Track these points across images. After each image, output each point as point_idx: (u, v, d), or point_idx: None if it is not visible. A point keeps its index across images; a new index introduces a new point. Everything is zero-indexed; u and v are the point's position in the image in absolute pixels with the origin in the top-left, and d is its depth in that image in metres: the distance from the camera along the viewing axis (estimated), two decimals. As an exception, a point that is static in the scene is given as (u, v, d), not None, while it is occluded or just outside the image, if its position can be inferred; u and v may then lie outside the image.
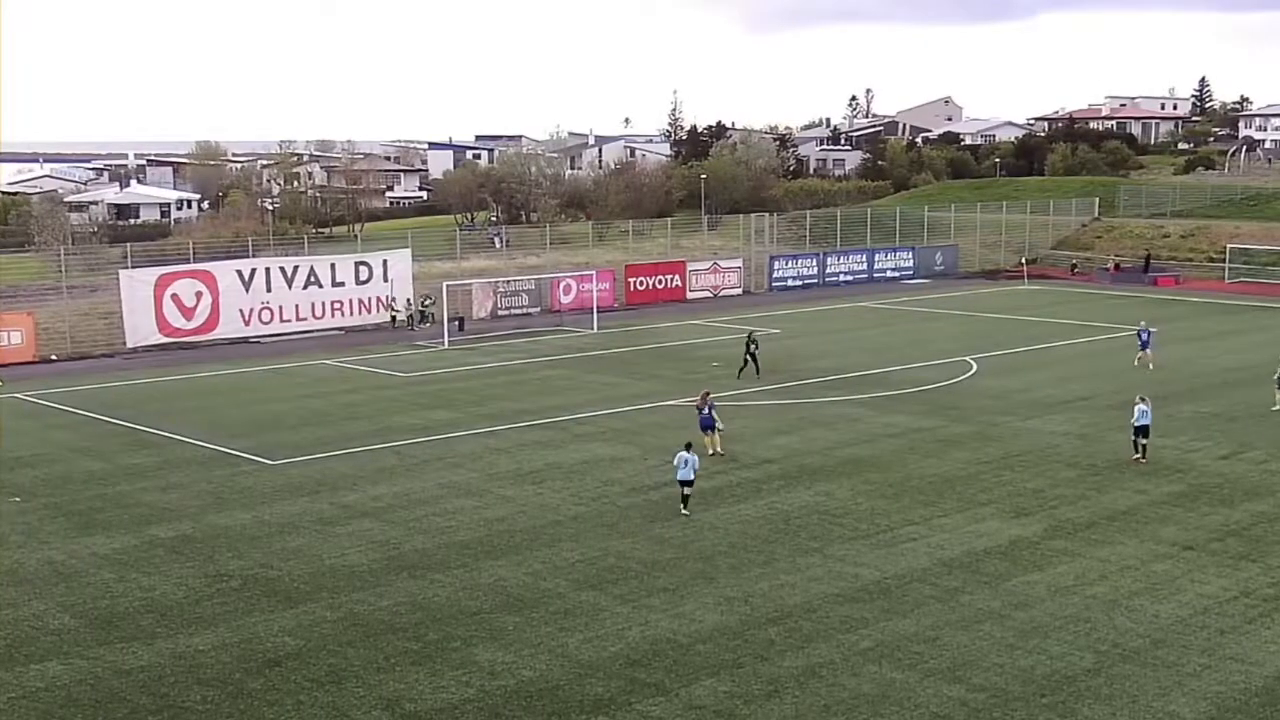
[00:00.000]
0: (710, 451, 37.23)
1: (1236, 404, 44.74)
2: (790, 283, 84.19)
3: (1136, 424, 36.85)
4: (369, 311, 67.41)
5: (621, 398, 47.13)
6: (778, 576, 27.52)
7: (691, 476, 31.93)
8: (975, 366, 53.18)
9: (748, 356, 50.53)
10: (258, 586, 27.25)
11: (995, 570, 27.87)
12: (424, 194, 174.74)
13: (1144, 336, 53.42)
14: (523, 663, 23.09)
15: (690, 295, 78.78)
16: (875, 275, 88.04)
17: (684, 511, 31.97)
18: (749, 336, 51.81)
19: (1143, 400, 37.38)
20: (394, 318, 66.82)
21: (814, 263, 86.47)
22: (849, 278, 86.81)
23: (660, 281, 78.37)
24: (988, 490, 34.23)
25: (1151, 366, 51.91)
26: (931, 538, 30.14)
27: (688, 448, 32.31)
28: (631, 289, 76.65)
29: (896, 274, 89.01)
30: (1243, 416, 42.63)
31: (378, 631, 24.62)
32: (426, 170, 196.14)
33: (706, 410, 38.00)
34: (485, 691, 21.94)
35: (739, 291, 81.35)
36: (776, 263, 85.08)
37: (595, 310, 67.50)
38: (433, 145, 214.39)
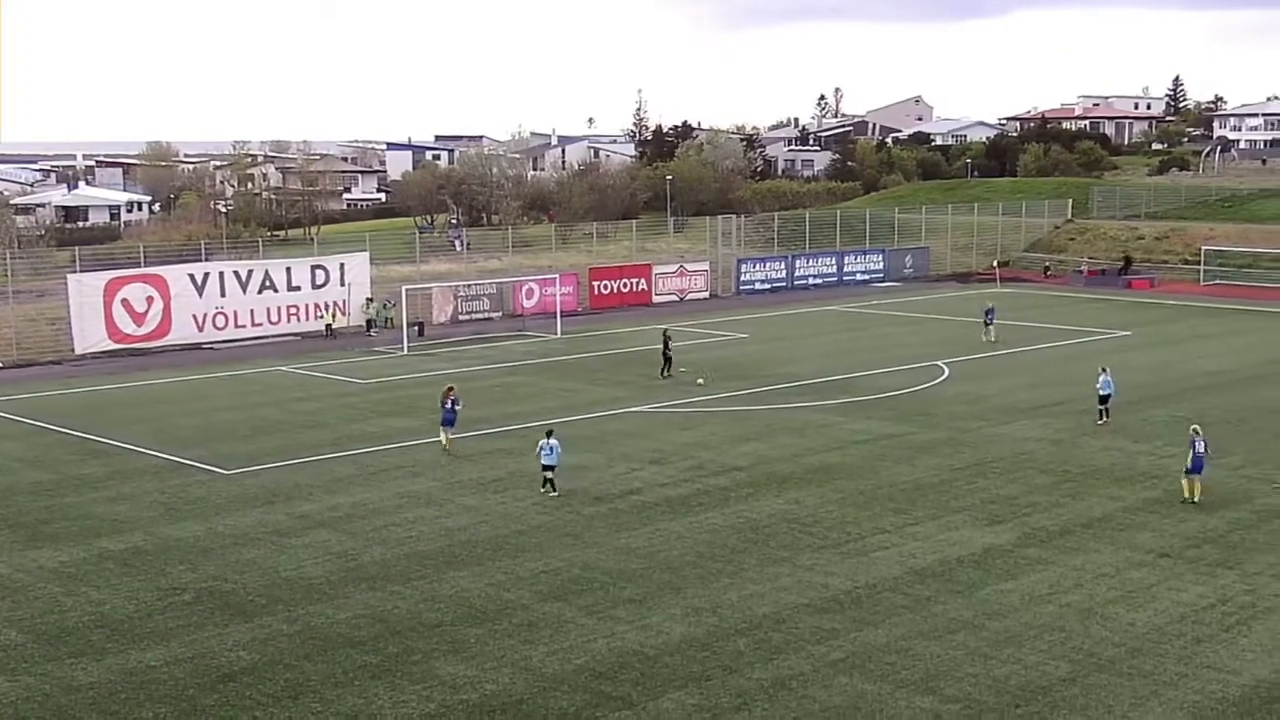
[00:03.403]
0: (445, 447, 39.45)
1: (1212, 409, 45.09)
2: (758, 286, 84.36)
3: (1101, 393, 42.09)
4: (326, 317, 67.10)
5: (585, 404, 47.13)
6: (746, 586, 27.57)
7: (555, 461, 34.42)
8: (947, 371, 53.42)
9: (666, 354, 51.66)
10: (211, 600, 27.11)
11: (968, 579, 28.00)
12: (382, 196, 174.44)
13: (989, 317, 61.38)
14: (485, 676, 23.05)
15: (656, 299, 78.81)
16: (845, 278, 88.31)
17: (544, 491, 34.50)
18: (664, 334, 53.30)
19: (1104, 371, 42.75)
20: (329, 327, 66.32)
21: (782, 266, 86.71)
22: (818, 281, 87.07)
23: (625, 285, 78.39)
24: (960, 497, 34.39)
25: (995, 339, 60.28)
26: (903, 546, 30.25)
27: (549, 435, 34.92)
28: (596, 293, 76.64)
29: (866, 277, 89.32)
30: (1219, 422, 42.94)
31: (336, 645, 24.53)
32: (385, 171, 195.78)
33: (449, 405, 39.72)
34: (447, 706, 21.89)
35: (706, 295, 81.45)
36: (744, 266, 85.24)
37: (558, 315, 67.46)
38: (391, 146, 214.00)
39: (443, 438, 40.17)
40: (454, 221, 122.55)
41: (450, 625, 25.54)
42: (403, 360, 58.39)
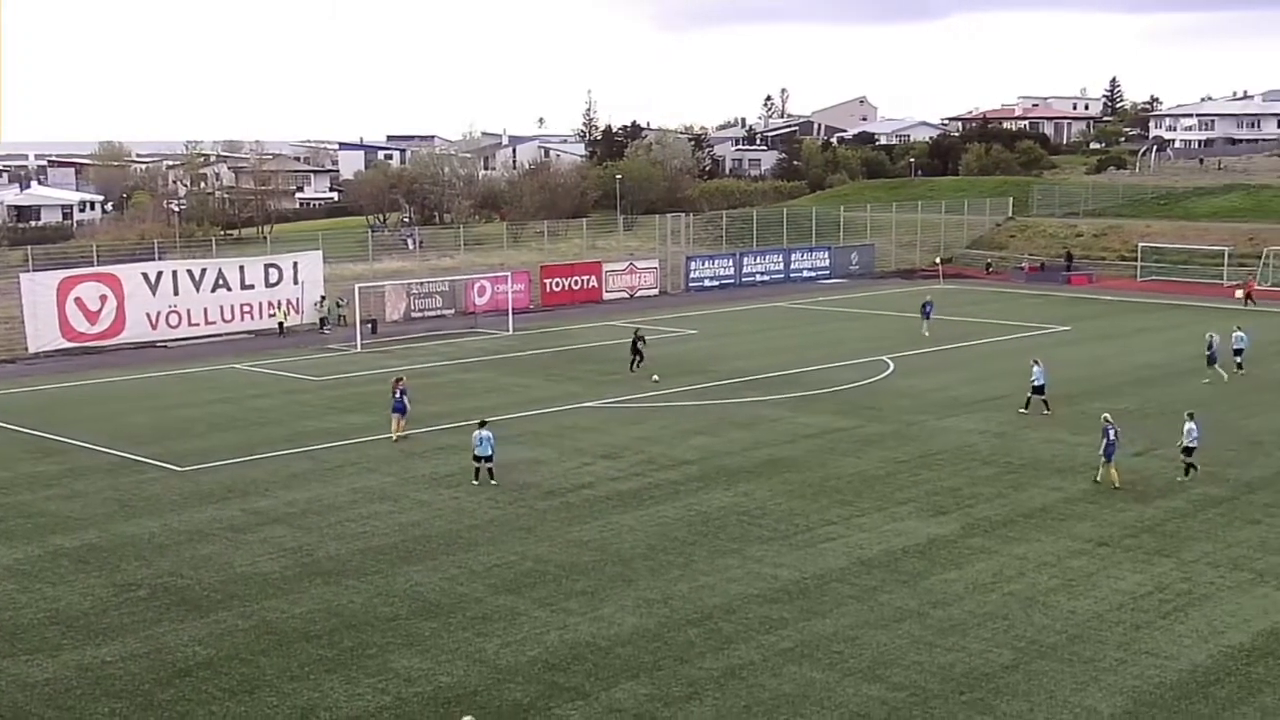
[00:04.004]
0: (395, 437, 39.91)
1: (1150, 401, 45.56)
2: (707, 283, 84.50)
3: (1035, 383, 43.10)
4: (279, 315, 66.67)
5: (538, 400, 47.05)
6: (697, 578, 27.62)
7: (489, 451, 34.84)
8: (892, 366, 53.69)
9: (635, 352, 51.40)
10: (167, 595, 26.88)
11: (913, 569, 28.16)
12: (335, 195, 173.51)
13: (927, 310, 62.48)
14: (440, 669, 22.98)
15: (607, 296, 78.82)
16: (791, 275, 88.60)
17: (476, 482, 34.82)
18: (636, 333, 52.84)
19: (1037, 363, 43.55)
20: (281, 325, 65.90)
21: (730, 263, 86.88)
22: (765, 278, 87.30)
23: (576, 282, 78.32)
24: (905, 489, 34.58)
25: (928, 334, 60.81)
26: (850, 537, 30.39)
27: (482, 425, 35.36)
28: (547, 290, 76.52)
29: (813, 274, 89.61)
30: (1156, 414, 43.41)
31: (291, 639, 24.39)
32: (337, 171, 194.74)
33: (399, 394, 40.30)
34: (401, 699, 21.80)
35: (656, 292, 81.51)
36: (693, 263, 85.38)
37: (510, 312, 67.33)
38: (343, 146, 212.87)
39: (393, 426, 40.58)
40: (406, 220, 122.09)
41: (405, 619, 25.45)
42: (356, 357, 58.09)
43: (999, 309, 72.38)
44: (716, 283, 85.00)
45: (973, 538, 30.30)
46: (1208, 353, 49.77)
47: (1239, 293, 74.13)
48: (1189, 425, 34.97)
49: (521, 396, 47.80)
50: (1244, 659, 23.18)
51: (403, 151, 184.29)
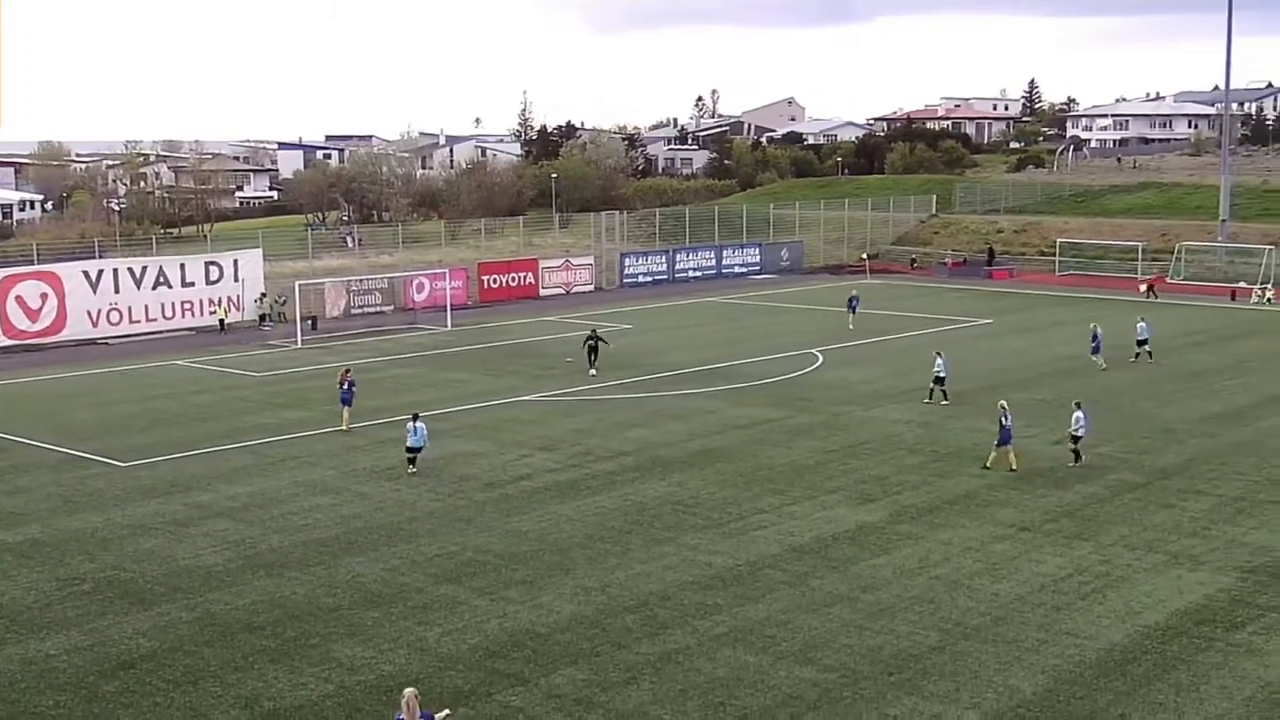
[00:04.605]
0: (346, 428, 40.31)
1: (1068, 391, 46.02)
2: (641, 279, 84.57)
3: (937, 374, 43.85)
4: (220, 312, 66.01)
5: (476, 394, 46.90)
6: (633, 566, 27.66)
7: (420, 443, 35.11)
8: (821, 359, 54.00)
9: (591, 351, 50.95)
10: (110, 589, 26.56)
11: (843, 555, 28.35)
12: (274, 194, 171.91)
13: (853, 305, 63.03)
14: (382, 657, 22.88)
15: (543, 292, 78.72)
16: (723, 271, 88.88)
17: (411, 470, 35.08)
18: (592, 332, 52.38)
19: (939, 355, 44.41)
20: (222, 322, 65.29)
21: (664, 259, 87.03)
22: (698, 274, 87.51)
23: (513, 279, 78.16)
24: (835, 478, 34.80)
25: (853, 327, 61.28)
26: (782, 525, 30.55)
27: (415, 418, 35.61)
28: (485, 287, 76.30)
29: (744, 270, 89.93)
30: (1071, 403, 43.84)
31: (235, 631, 24.18)
32: (276, 170, 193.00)
33: (346, 386, 40.41)
34: (344, 687, 21.69)
35: (591, 288, 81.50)
36: (627, 260, 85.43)
37: (449, 308, 67.06)
38: (282, 145, 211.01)
39: (343, 417, 40.62)
40: (346, 219, 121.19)
41: (347, 609, 25.30)
42: (296, 353, 57.64)
43: (923, 303, 72.98)
44: (650, 279, 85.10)
45: (900, 524, 30.56)
46: (1092, 343, 50.72)
47: (1142, 286, 75.55)
48: (1076, 414, 35.57)
49: (460, 391, 47.63)
50: (1159, 638, 23.54)
51: (341, 151, 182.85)
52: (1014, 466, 34.79)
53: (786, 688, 21.48)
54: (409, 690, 17.67)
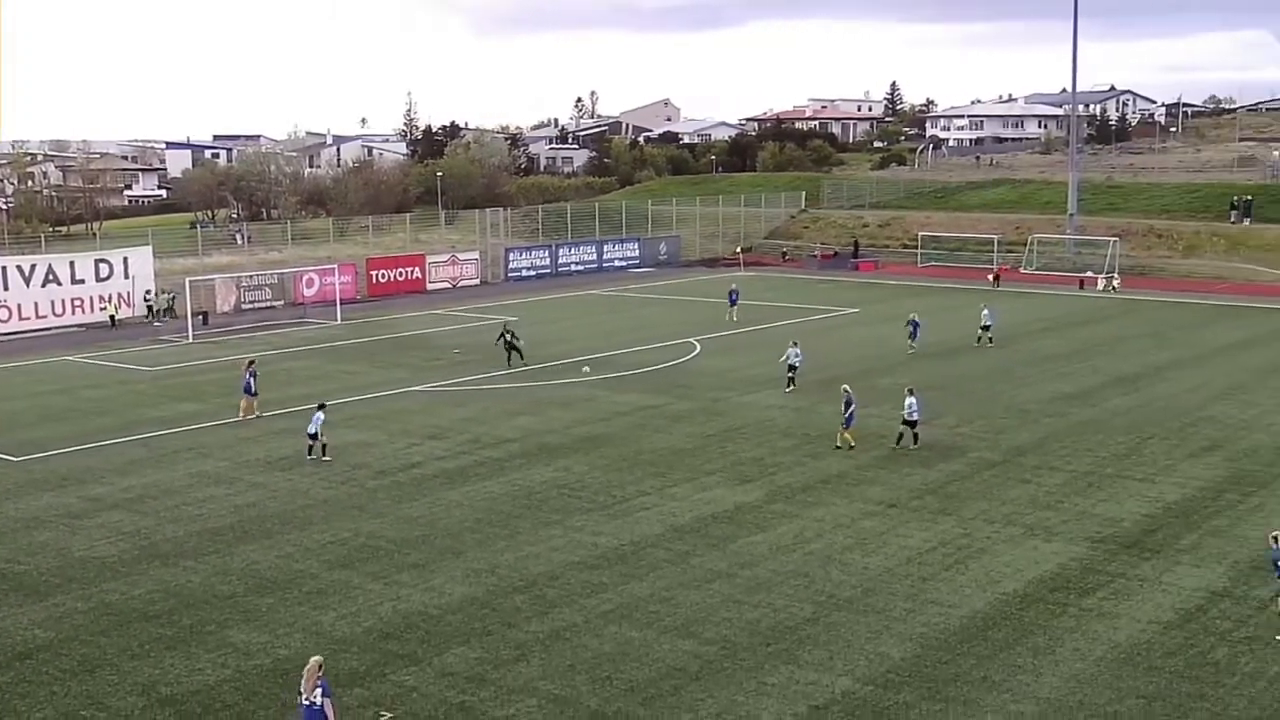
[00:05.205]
0: (253, 415, 40.32)
1: (930, 376, 46.92)
2: (525, 273, 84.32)
3: (790, 364, 44.10)
4: (110, 308, 64.46)
5: (365, 385, 46.41)
6: (522, 548, 27.61)
7: (312, 430, 34.87)
8: (698, 348, 54.32)
9: (509, 349, 50.19)
10: (4, 581, 25.82)
11: (722, 533, 28.58)
12: (163, 193, 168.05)
13: (733, 297, 62.64)
14: (278, 641, 22.58)
15: (430, 286, 78.11)
16: (604, 265, 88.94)
17: (311, 458, 34.87)
18: (504, 327, 51.74)
19: (794, 344, 44.91)
20: (112, 318, 63.83)
21: (546, 254, 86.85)
22: (580, 268, 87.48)
23: (401, 274, 77.46)
24: (713, 460, 35.05)
25: (736, 319, 60.85)
26: (663, 506, 30.70)
27: (320, 408, 35.54)
28: (373, 281, 75.52)
29: (624, 263, 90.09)
30: (935, 387, 44.71)
31: (131, 620, 23.68)
32: (165, 169, 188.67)
33: (247, 378, 40.36)
34: (241, 671, 21.37)
35: (477, 282, 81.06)
36: (511, 255, 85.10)
37: (338, 302, 66.24)
38: (170, 145, 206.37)
39: (243, 405, 40.52)
40: (235, 216, 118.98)
41: (243, 596, 24.92)
42: (188, 348, 56.51)
43: (795, 294, 73.72)
44: (534, 273, 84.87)
45: (775, 503, 30.88)
46: (909, 329, 52.32)
47: (990, 276, 77.43)
48: (909, 400, 35.94)
49: (349, 382, 47.09)
50: (1017, 605, 24.11)
51: (229, 150, 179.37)
52: (852, 445, 35.44)
53: (670, 660, 21.62)
54: (315, 659, 17.77)
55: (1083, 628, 22.96)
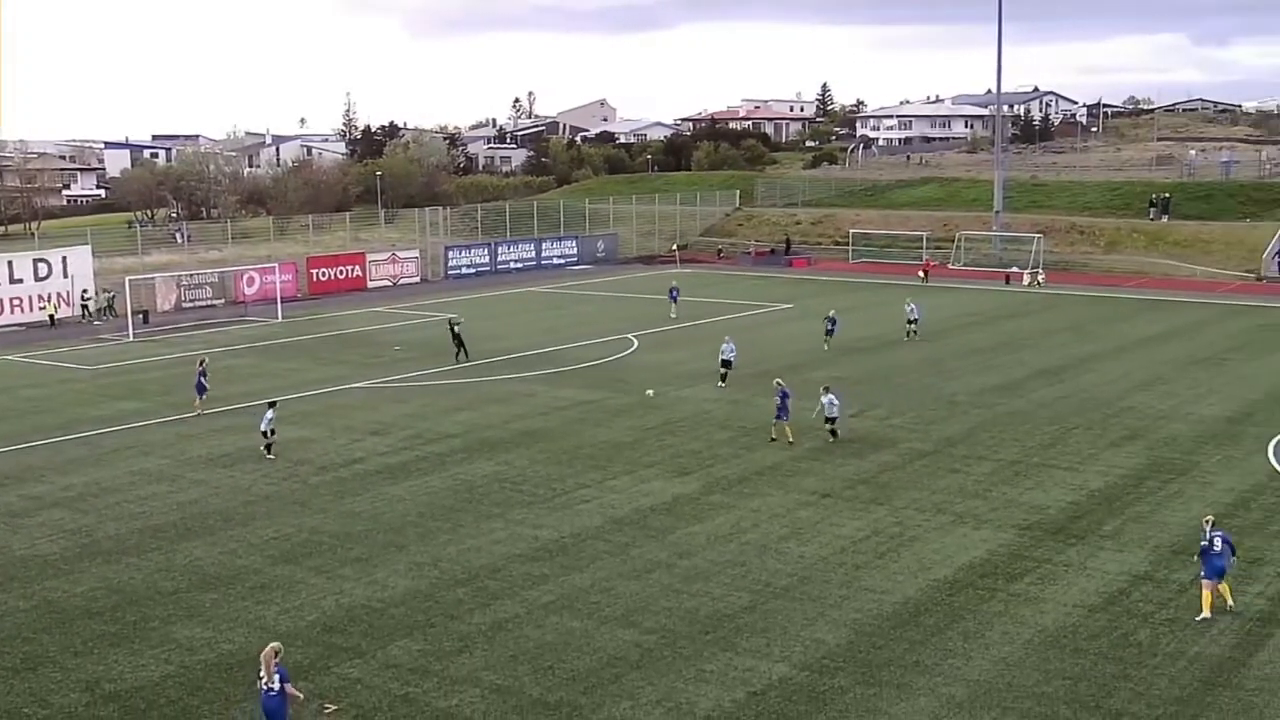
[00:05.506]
0: (194, 413, 40.13)
1: (862, 369, 47.29)
2: (464, 271, 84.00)
3: (724, 358, 43.87)
4: (49, 308, 63.49)
5: (307, 382, 46.02)
6: (464, 541, 27.52)
7: (264, 427, 34.61)
8: (636, 343, 54.36)
9: (456, 342, 50.02)
10: (-55, 581, 25.38)
11: (661, 524, 28.64)
12: (102, 192, 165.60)
13: (674, 294, 62.59)
14: (222, 637, 22.35)
15: (371, 284, 77.59)
16: (543, 262, 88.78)
17: (270, 457, 34.47)
18: (449, 322, 51.49)
19: (728, 339, 44.75)
20: (51, 317, 62.92)
21: (486, 252, 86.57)
22: (519, 265, 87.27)
23: (341, 272, 76.89)
24: (651, 453, 35.10)
25: (675, 316, 60.82)
26: (603, 498, 30.71)
27: (271, 406, 35.38)
28: (314, 280, 74.88)
29: (562, 261, 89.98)
30: (867, 380, 45.09)
31: (74, 617, 23.35)
32: (104, 169, 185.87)
33: (198, 379, 40.54)
34: (185, 667, 21.13)
35: (417, 280, 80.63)
36: (451, 252, 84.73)
37: (279, 300, 65.63)
38: (109, 145, 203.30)
39: (196, 403, 40.42)
40: (175, 216, 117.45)
41: (186, 592, 24.64)
42: (128, 347, 55.77)
43: (730, 290, 73.96)
44: (474, 270, 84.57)
45: (712, 495, 30.98)
46: (827, 325, 52.36)
47: (921, 273, 78.15)
48: (827, 399, 35.78)
49: (291, 380, 46.67)
50: (948, 590, 24.36)
51: (168, 150, 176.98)
52: (790, 440, 35.49)
53: (611, 649, 21.64)
54: (272, 645, 17.72)
55: (1011, 612, 23.24)
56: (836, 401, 35.96)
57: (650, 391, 37.66)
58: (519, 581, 25.00)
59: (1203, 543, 23.13)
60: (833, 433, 35.82)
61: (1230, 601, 23.15)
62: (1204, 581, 23.16)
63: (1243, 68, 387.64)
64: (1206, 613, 22.88)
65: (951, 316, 61.44)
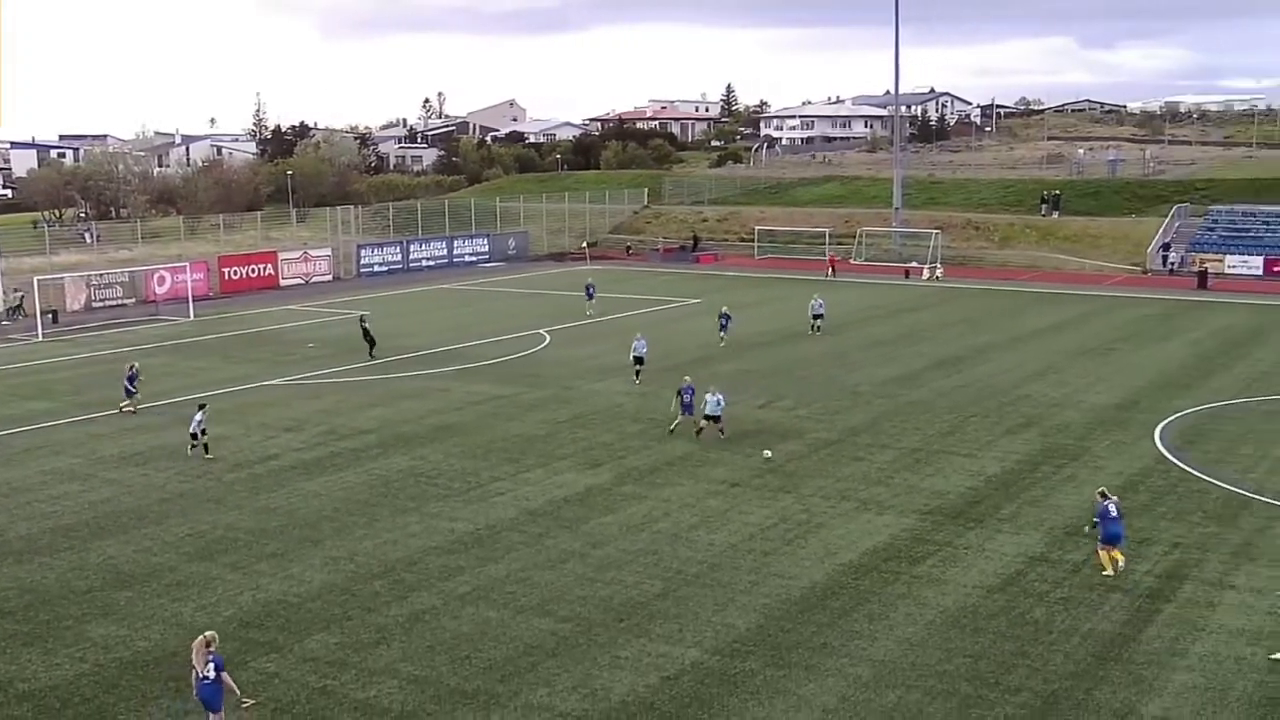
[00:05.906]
0: (117, 410, 39.43)
1: (768, 361, 47.64)
2: (377, 269, 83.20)
3: (636, 354, 43.64)
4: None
5: (220, 380, 45.28)
6: (380, 535, 27.29)
7: (192, 428, 33.98)
8: (548, 339, 54.25)
9: (368, 338, 49.61)
10: None
11: (574, 515, 28.63)
12: (8, 192, 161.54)
13: (590, 291, 62.27)
14: (137, 634, 21.94)
15: (283, 283, 76.52)
16: (455, 260, 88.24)
17: (208, 457, 33.70)
18: (360, 319, 50.96)
19: (640, 336, 44.56)
20: None
21: (398, 250, 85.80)
22: (431, 263, 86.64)
23: (254, 270, 75.72)
24: (564, 446, 35.06)
25: (592, 314, 60.52)
26: (517, 490, 30.63)
27: (201, 408, 34.48)
28: (226, 278, 73.67)
29: (474, 259, 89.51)
30: (773, 372, 45.43)
31: (-15, 617, 22.78)
32: (9, 169, 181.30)
33: (127, 381, 39.78)
34: (100, 665, 20.72)
35: (330, 278, 79.66)
36: (363, 251, 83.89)
37: (190, 299, 64.52)
38: (15, 145, 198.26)
39: (123, 405, 39.71)
40: (83, 215, 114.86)
41: (100, 590, 24.15)
42: (37, 347, 54.46)
43: (639, 286, 74.07)
44: (386, 268, 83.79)
45: (624, 485, 31.03)
46: (721, 321, 51.76)
47: (829, 268, 78.94)
48: (711, 398, 35.36)
49: (203, 378, 45.90)
50: (853, 574, 24.65)
51: (76, 150, 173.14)
52: (699, 429, 35.45)
53: (527, 638, 21.60)
54: (204, 635, 17.54)
55: (914, 594, 23.58)
56: (723, 401, 35.55)
57: (768, 453, 33.79)
58: (435, 573, 24.85)
59: (1098, 510, 24.13)
60: (719, 430, 35.37)
61: (1122, 562, 24.25)
62: (1103, 547, 24.25)
63: (1128, 70, 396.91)
64: (1109, 570, 24.07)
65: (854, 310, 62.12)
